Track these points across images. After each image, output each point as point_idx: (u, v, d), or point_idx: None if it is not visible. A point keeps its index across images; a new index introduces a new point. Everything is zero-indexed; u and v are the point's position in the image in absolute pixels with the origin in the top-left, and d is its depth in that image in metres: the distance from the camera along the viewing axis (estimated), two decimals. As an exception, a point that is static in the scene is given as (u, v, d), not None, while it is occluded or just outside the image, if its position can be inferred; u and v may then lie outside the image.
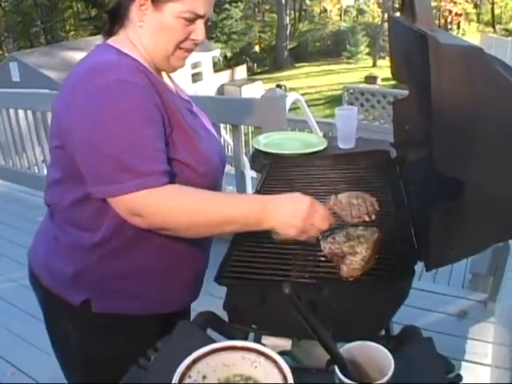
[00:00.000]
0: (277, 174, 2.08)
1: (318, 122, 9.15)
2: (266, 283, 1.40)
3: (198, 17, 1.59)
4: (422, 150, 1.73)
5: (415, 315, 3.22)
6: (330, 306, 1.36)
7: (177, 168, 1.54)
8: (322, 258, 1.47)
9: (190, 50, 1.66)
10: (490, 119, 1.13)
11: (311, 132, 6.06)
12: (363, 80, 28.74)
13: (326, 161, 2.16)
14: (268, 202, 1.46)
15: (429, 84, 1.08)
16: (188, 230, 1.47)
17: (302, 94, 26.87)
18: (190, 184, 1.50)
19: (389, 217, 1.68)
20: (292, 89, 28.63)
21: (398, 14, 1.90)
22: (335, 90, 26.26)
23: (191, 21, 1.58)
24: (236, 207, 1.46)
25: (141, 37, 1.61)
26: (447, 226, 1.26)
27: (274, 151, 2.25)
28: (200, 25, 1.61)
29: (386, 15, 37.21)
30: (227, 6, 31.31)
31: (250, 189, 4.53)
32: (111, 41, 1.64)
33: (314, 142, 2.40)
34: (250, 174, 4.32)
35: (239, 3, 32.16)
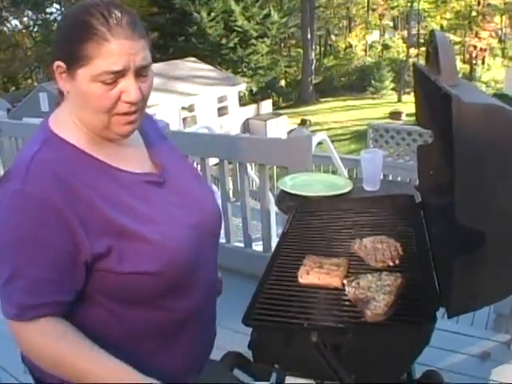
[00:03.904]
0: (303, 217, 2.12)
1: (343, 159, 9.20)
2: (292, 326, 1.44)
3: (120, 74, 1.34)
4: (445, 196, 1.77)
5: (438, 356, 3.21)
6: (354, 350, 1.40)
7: (117, 279, 1.39)
8: (347, 303, 1.50)
9: (132, 113, 1.41)
10: (504, 176, 1.17)
11: (336, 170, 6.13)
12: (388, 115, 28.77)
13: (351, 204, 2.19)
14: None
15: (452, 136, 1.13)
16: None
17: (327, 129, 26.99)
18: (143, 289, 1.41)
19: (412, 262, 1.71)
20: (317, 123, 28.79)
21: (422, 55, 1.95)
22: (360, 125, 26.29)
23: (113, 82, 1.34)
24: (98, 364, 1.34)
25: (72, 108, 1.43)
26: (469, 275, 1.30)
27: (301, 193, 2.30)
28: (129, 82, 1.35)
29: (410, 51, 37.44)
30: (254, 41, 31.63)
31: (274, 224, 4.57)
32: (52, 118, 1.48)
33: (339, 184, 2.45)
34: (275, 209, 4.36)
35: (265, 39, 32.47)
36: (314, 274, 1.60)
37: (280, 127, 25.99)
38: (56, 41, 1.40)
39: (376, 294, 1.48)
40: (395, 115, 28.18)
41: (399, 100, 33.58)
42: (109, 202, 1.38)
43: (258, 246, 4.41)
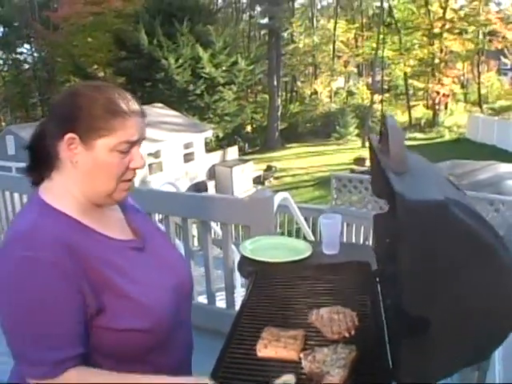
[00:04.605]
0: (263, 284, 2.16)
1: (306, 209, 9.29)
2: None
3: (134, 144, 1.56)
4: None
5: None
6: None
7: (116, 336, 1.51)
8: (304, 376, 1.54)
9: (132, 179, 1.62)
10: (449, 268, 1.24)
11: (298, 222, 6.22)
12: (352, 161, 29.11)
13: (310, 271, 2.24)
14: None
15: (397, 234, 1.20)
16: None
17: (292, 175, 26.91)
18: (135, 345, 1.53)
19: (367, 333, 1.76)
20: (282, 169, 28.99)
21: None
22: (325, 171, 26.55)
23: (127, 151, 1.54)
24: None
25: (77, 179, 1.55)
26: (418, 354, 1.35)
27: (260, 259, 2.35)
28: (136, 151, 1.57)
29: (374, 97, 38.14)
30: (221, 88, 31.85)
31: (238, 275, 4.58)
32: (43, 190, 1.58)
33: (299, 248, 2.50)
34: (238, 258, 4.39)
35: (232, 86, 32.76)
36: (271, 348, 1.64)
37: (246, 173, 26.13)
38: (67, 115, 1.52)
39: (331, 368, 1.52)
40: (359, 161, 28.50)
41: (363, 146, 33.97)
42: (105, 264, 1.51)
43: (221, 301, 4.44)
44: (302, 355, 1.60)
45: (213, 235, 6.00)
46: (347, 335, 1.74)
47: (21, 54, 44.23)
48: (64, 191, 1.56)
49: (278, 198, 4.86)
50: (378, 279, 2.12)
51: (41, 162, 1.60)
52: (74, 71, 35.67)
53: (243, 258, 2.41)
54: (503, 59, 46.49)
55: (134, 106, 1.57)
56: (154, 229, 1.90)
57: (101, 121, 1.50)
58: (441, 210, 1.19)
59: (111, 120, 1.50)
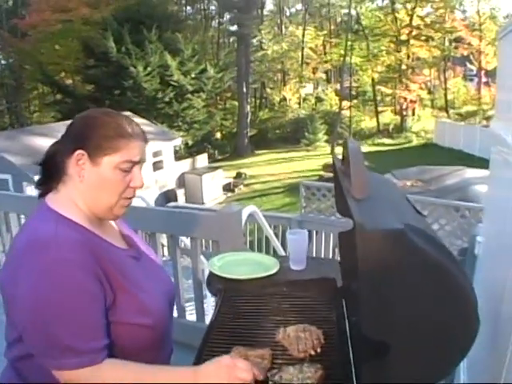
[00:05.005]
0: (231, 302, 2.20)
1: (275, 217, 9.33)
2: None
3: (135, 164, 1.73)
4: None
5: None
6: None
7: (123, 329, 1.66)
8: (270, 397, 1.58)
9: (132, 197, 1.79)
10: (408, 293, 1.29)
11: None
12: (321, 168, 29.22)
13: (277, 288, 2.28)
14: (198, 371, 1.59)
15: (357, 262, 1.25)
16: None
17: (263, 182, 26.73)
18: (141, 339, 1.69)
19: (332, 351, 1.80)
20: (252, 176, 28.97)
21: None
22: (295, 177, 26.65)
23: (128, 170, 1.71)
24: (168, 377, 1.58)
25: (82, 192, 1.71)
26: (378, 374, 1.40)
27: (228, 276, 2.39)
28: (137, 171, 1.74)
29: (343, 103, 38.38)
30: (189, 95, 31.70)
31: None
32: (50, 200, 1.73)
33: (267, 263, 2.54)
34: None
35: (201, 93, 32.64)
36: (239, 368, 1.67)
37: (215, 181, 26.07)
38: (80, 134, 1.70)
39: (297, 388, 1.56)
40: (328, 168, 28.56)
41: (332, 152, 34.14)
42: (115, 267, 1.67)
43: (192, 311, 4.46)
44: (269, 375, 1.63)
45: (182, 245, 6.01)
46: (313, 353, 1.78)
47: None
48: (70, 202, 1.72)
49: (246, 212, 4.88)
50: (344, 295, 2.17)
51: (50, 176, 1.76)
52: (42, 79, 35.31)
53: (211, 275, 2.44)
54: (469, 65, 47.26)
55: (138, 130, 1.75)
56: (141, 242, 2.05)
57: (109, 141, 1.67)
58: (399, 238, 1.24)
59: (117, 141, 1.68)
